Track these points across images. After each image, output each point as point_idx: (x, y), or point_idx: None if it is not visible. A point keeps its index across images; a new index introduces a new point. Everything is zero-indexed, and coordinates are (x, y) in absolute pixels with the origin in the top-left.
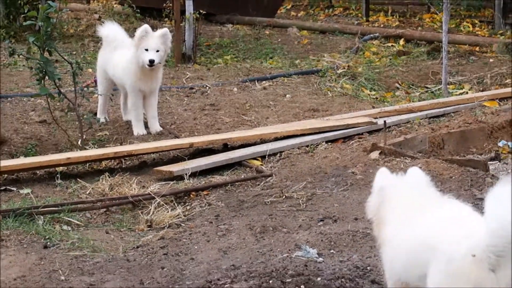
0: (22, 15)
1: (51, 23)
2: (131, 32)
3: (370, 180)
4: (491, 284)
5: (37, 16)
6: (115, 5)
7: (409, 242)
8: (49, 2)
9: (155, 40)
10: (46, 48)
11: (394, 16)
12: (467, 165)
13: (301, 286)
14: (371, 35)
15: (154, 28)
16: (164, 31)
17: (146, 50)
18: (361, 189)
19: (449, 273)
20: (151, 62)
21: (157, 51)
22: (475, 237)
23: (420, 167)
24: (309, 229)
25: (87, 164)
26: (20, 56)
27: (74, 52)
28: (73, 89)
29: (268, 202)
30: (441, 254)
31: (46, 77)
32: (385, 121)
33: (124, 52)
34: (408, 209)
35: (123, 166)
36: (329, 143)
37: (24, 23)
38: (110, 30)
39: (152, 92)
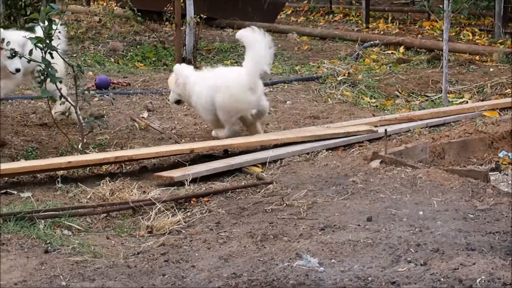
0: (23, 17)
1: (53, 25)
2: (131, 35)
3: (371, 189)
4: (251, 99)
5: (39, 18)
6: (115, 8)
7: (205, 91)
8: (51, 4)
9: None
10: (48, 51)
11: (394, 24)
12: (468, 175)
13: None
14: (371, 42)
15: (154, 31)
16: None
17: None
18: (362, 198)
19: (228, 95)
20: None
21: None
22: (243, 78)
23: (421, 177)
24: (310, 238)
25: (88, 168)
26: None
27: (74, 55)
28: (74, 92)
29: (268, 209)
30: (223, 87)
31: (48, 80)
32: (386, 130)
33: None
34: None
35: (124, 170)
36: (330, 151)
37: (26, 25)
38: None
39: None
